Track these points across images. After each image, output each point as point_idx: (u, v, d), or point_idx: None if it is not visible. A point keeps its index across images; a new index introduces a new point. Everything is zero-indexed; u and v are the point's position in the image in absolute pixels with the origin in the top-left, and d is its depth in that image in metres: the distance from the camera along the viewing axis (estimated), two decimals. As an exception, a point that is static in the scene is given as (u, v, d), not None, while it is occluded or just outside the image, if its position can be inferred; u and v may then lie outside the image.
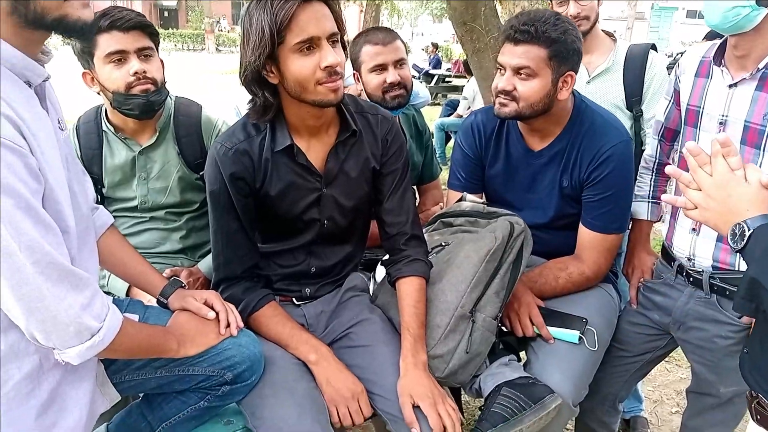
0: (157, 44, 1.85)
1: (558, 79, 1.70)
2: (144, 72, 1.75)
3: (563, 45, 1.68)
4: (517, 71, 1.69)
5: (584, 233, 1.82)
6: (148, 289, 1.55)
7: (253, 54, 1.36)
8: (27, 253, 0.96)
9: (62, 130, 1.19)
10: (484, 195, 2.00)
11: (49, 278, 1.00)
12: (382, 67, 2.09)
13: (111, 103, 1.81)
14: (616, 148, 1.75)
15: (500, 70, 1.75)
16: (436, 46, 16.66)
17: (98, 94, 1.84)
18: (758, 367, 1.16)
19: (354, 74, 2.18)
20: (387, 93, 2.10)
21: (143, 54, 1.77)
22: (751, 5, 1.43)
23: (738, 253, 1.05)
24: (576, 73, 1.75)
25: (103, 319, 1.10)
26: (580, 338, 1.68)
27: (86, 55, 1.76)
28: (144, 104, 1.78)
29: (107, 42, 1.72)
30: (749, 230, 1.03)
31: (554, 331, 1.70)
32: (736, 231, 1.05)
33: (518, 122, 1.85)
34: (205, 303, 1.48)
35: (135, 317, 1.38)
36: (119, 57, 1.73)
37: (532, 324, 1.72)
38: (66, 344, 1.06)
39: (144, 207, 1.94)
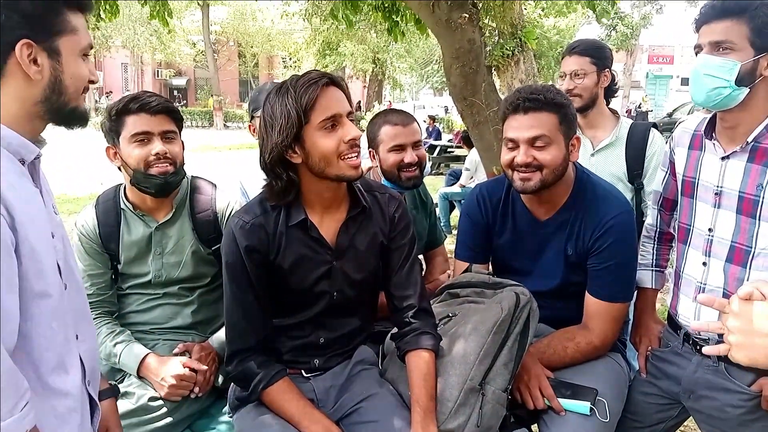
0: (180, 128, 1.95)
1: (568, 143, 1.78)
2: (165, 153, 1.85)
3: (568, 109, 1.77)
4: (532, 143, 1.73)
5: (591, 302, 1.84)
6: None
7: (280, 136, 1.48)
8: None
9: (56, 214, 1.26)
10: (491, 264, 2.03)
11: None
12: (401, 147, 2.17)
13: (130, 180, 1.90)
14: (619, 218, 1.79)
15: (509, 145, 1.79)
16: (433, 118, 17.21)
17: (119, 169, 1.93)
18: None
19: (370, 151, 2.27)
20: (402, 171, 2.17)
21: (167, 136, 1.87)
22: (731, 85, 1.51)
23: None
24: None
25: None
26: (591, 409, 1.67)
27: (113, 133, 1.87)
28: (161, 185, 1.87)
29: (134, 123, 1.83)
30: None
31: (565, 402, 1.69)
32: None
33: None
34: None
35: None
36: (143, 138, 1.84)
37: (543, 396, 1.71)
38: None
39: (158, 281, 1.98)
